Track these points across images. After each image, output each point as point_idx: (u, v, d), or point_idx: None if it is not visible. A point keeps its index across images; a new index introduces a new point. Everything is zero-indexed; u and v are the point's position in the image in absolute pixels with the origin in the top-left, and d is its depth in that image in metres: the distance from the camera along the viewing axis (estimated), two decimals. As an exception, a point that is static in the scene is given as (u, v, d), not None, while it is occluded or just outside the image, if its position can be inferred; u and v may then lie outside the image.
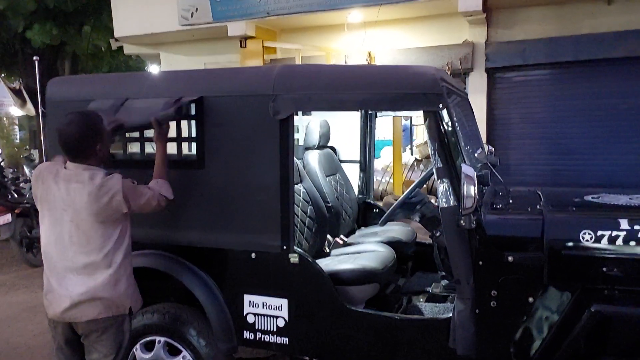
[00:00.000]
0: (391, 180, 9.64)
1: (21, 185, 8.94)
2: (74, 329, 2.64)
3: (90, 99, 3.17)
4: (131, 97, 3.08)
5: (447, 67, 7.91)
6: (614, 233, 2.46)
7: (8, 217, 7.40)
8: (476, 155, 3.07)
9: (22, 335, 4.99)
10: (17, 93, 12.40)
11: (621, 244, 2.44)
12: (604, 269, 2.46)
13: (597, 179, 7.47)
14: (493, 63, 7.95)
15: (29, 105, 12.38)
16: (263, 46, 8.50)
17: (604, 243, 2.46)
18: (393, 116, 8.60)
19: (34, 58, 5.25)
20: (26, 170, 10.23)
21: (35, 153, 13.57)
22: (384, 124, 9.94)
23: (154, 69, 14.35)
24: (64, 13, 11.11)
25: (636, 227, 2.43)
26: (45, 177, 2.62)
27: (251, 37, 8.43)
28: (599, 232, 2.47)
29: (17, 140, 21.97)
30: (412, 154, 11.61)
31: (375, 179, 9.73)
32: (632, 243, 2.43)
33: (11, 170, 9.98)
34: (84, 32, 12.32)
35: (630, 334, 2.54)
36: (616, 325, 2.53)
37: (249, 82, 2.92)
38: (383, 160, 10.70)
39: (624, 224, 2.47)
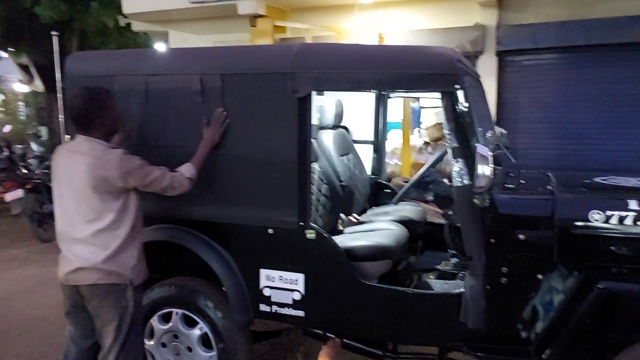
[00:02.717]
0: (399, 163, 9.66)
1: (29, 161, 9.02)
2: (81, 294, 2.73)
3: (109, 74, 3.22)
4: (150, 74, 3.13)
5: (457, 50, 7.89)
6: (623, 213, 2.52)
7: (19, 193, 7.50)
8: (487, 136, 3.12)
9: (37, 307, 5.10)
10: (24, 69, 12.42)
11: (630, 223, 2.51)
12: (613, 247, 2.53)
13: (606, 164, 7.47)
14: (504, 46, 7.90)
15: (37, 81, 12.40)
16: (273, 25, 8.47)
17: (612, 223, 2.53)
18: (405, 98, 8.62)
19: (52, 33, 5.25)
20: (33, 146, 10.28)
21: (42, 130, 13.62)
22: (393, 106, 9.90)
23: (160, 46, 14.31)
24: (72, -12, 11.12)
25: None
26: (58, 152, 2.76)
27: (261, 16, 8.34)
28: (608, 212, 2.54)
29: (23, 117, 22.00)
30: (420, 137, 11.60)
31: (384, 161, 9.77)
32: None
33: (20, 146, 10.04)
34: (91, 8, 12.27)
35: (634, 310, 2.60)
36: (623, 303, 2.60)
37: (269, 60, 2.94)
38: (391, 142, 10.68)
39: (633, 204, 2.53)
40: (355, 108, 5.78)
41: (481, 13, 7.99)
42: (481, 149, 2.48)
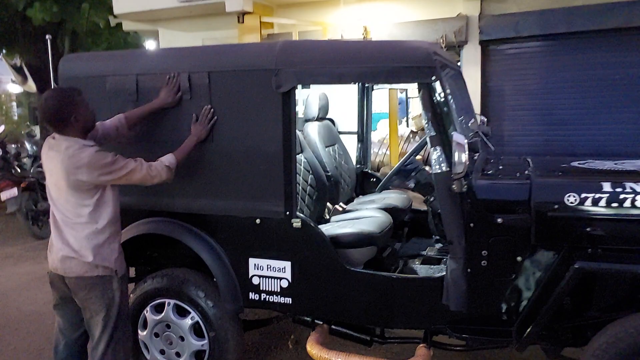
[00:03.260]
0: (387, 152, 9.76)
1: (23, 160, 9.06)
2: (68, 286, 2.82)
3: (101, 75, 3.31)
4: (141, 73, 3.21)
5: (441, 41, 7.96)
6: (597, 195, 2.59)
7: (14, 191, 7.56)
8: (469, 125, 3.21)
9: (33, 303, 5.19)
10: (18, 70, 12.43)
11: (604, 205, 2.58)
12: (588, 229, 2.61)
13: (590, 149, 7.58)
14: (487, 36, 8.00)
15: (30, 82, 12.41)
16: (260, 22, 8.54)
17: (587, 205, 2.60)
18: (389, 89, 8.71)
19: (47, 37, 5.35)
20: (27, 146, 10.30)
21: (35, 129, 13.62)
22: (381, 97, 10.01)
23: (150, 44, 14.33)
24: (63, -10, 11.18)
25: (618, 190, 2.57)
26: (43, 148, 2.84)
27: (249, 13, 8.43)
28: (583, 195, 2.61)
29: (15, 117, 22.00)
30: (407, 126, 11.71)
31: (372, 151, 9.87)
32: (614, 204, 2.56)
33: (14, 146, 10.06)
34: (82, 9, 12.29)
35: (611, 289, 2.72)
36: (600, 282, 2.71)
37: (253, 57, 3.03)
38: (379, 132, 10.80)
39: (607, 186, 2.60)
40: (341, 100, 5.88)
41: (464, 4, 8.09)
42: (457, 137, 2.57)
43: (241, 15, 8.43)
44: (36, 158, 8.92)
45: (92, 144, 2.77)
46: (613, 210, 2.59)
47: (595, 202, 2.60)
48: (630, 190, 2.56)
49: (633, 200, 2.54)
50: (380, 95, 9.90)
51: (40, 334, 4.48)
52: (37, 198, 7.76)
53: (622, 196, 2.56)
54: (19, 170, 8.31)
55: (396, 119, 9.66)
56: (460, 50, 8.21)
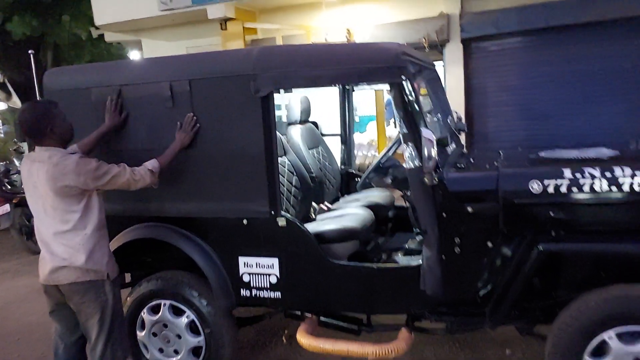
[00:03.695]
0: (376, 154, 9.90)
1: (13, 177, 9.13)
2: (62, 292, 2.93)
3: (85, 87, 3.44)
4: (125, 84, 3.34)
5: (424, 40, 8.05)
6: (559, 181, 2.76)
7: (6, 207, 7.65)
8: (448, 121, 3.36)
9: (32, 314, 5.30)
10: (1, 87, 12.47)
11: (565, 191, 2.75)
12: (551, 213, 2.78)
13: (571, 141, 7.71)
14: (468, 33, 8.10)
15: (15, 98, 12.45)
16: (243, 27, 8.59)
17: (549, 191, 2.77)
18: (376, 91, 8.83)
19: (29, 52, 5.47)
20: (16, 162, 10.37)
21: (24, 145, 13.69)
22: (369, 99, 10.10)
23: (135, 55, 14.37)
24: (42, 3, 11.18)
25: (577, 176, 2.74)
26: (23, 162, 2.96)
27: (231, 19, 8.45)
28: (546, 182, 2.77)
29: (2, 135, 21.93)
30: (396, 127, 11.81)
31: (361, 153, 10.02)
32: (575, 189, 2.73)
33: (2, 163, 10.13)
34: (63, 22, 12.29)
35: (575, 269, 2.90)
36: (564, 262, 2.89)
37: (232, 64, 3.17)
38: (369, 134, 10.93)
39: (567, 173, 2.76)
40: (324, 103, 6.02)
41: (445, 3, 8.19)
42: (426, 133, 2.73)
43: (224, 22, 8.43)
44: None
45: (74, 152, 2.90)
46: (573, 195, 2.75)
47: (556, 188, 2.76)
48: (589, 176, 2.72)
49: (591, 185, 2.70)
50: (369, 98, 10.03)
51: (42, 342, 4.59)
52: (30, 213, 7.82)
53: (581, 181, 2.72)
54: (9, 187, 8.38)
55: (383, 120, 9.80)
56: (443, 49, 8.32)
